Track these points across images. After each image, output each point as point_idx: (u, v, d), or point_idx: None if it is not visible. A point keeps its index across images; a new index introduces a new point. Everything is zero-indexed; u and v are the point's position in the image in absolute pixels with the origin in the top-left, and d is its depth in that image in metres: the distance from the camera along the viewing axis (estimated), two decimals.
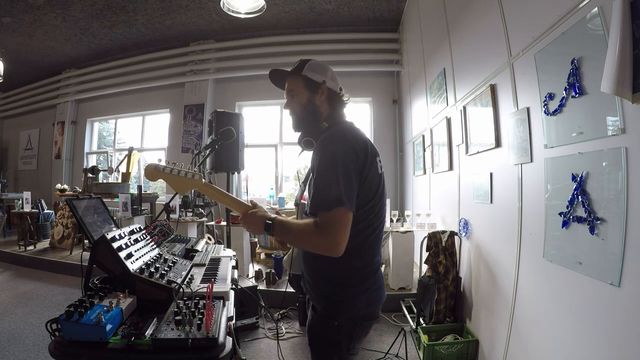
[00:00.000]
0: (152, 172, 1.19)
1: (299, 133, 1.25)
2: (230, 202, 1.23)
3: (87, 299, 1.00)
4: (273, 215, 1.13)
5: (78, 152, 7.04)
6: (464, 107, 2.61)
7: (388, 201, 3.67)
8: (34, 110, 7.51)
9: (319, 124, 1.21)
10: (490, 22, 2.15)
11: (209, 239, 4.02)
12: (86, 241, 4.52)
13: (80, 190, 5.18)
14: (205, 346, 0.89)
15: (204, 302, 1.07)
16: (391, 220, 3.57)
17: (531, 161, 1.72)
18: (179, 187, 1.20)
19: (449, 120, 2.98)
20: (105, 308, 0.96)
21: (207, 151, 2.57)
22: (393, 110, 5.51)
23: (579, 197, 1.33)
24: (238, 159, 3.15)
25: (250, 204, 1.20)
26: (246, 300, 2.82)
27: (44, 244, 5.45)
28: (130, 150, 5.42)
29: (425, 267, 2.71)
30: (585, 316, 1.32)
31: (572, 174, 1.37)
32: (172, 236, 1.98)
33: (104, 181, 5.66)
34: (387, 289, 3.50)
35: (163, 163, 1.20)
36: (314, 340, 1.20)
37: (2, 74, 5.36)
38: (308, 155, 1.25)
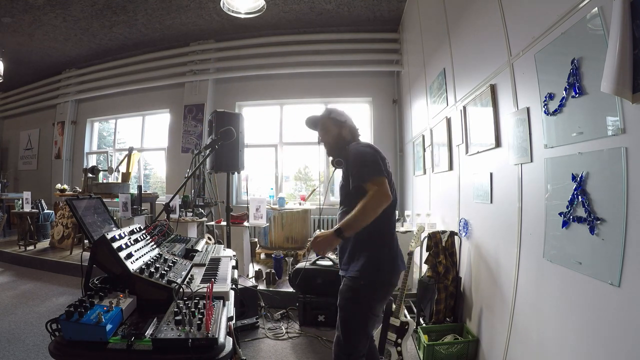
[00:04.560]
0: None
1: (331, 157, 1.76)
2: None
3: (87, 299, 1.00)
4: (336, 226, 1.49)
5: (78, 152, 7.04)
6: (464, 107, 2.61)
7: None
8: (34, 110, 7.50)
9: (344, 148, 1.70)
10: (490, 22, 2.15)
11: (209, 239, 4.01)
12: (86, 241, 4.52)
13: (80, 190, 5.19)
14: (205, 346, 0.89)
15: (204, 302, 1.07)
16: None
17: (531, 161, 1.72)
18: None
19: (449, 120, 2.98)
20: (105, 308, 0.96)
21: (207, 151, 2.57)
22: (393, 110, 5.51)
23: (579, 197, 1.33)
24: (238, 159, 3.15)
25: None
26: (246, 300, 2.82)
27: (44, 244, 5.45)
28: (130, 150, 5.42)
29: (425, 267, 2.71)
30: (585, 316, 1.32)
31: (572, 174, 1.37)
32: (172, 236, 1.98)
33: (104, 181, 5.67)
34: None
35: None
36: (343, 300, 1.57)
37: (2, 74, 5.35)
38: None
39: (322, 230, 1.54)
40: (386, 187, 1.46)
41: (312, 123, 1.85)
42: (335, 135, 1.76)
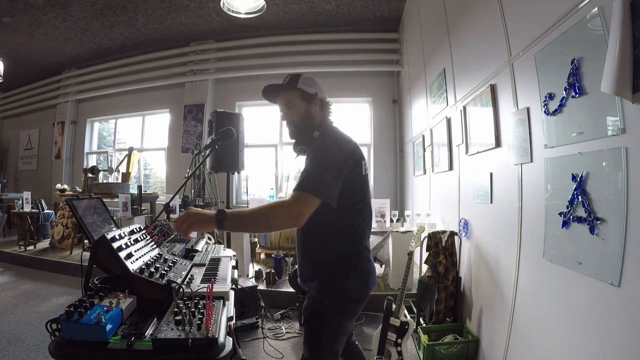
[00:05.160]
0: None
1: (294, 140, 1.43)
2: None
3: (87, 299, 1.00)
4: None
5: (78, 152, 7.04)
6: (464, 107, 2.61)
7: (388, 201, 3.67)
8: (34, 110, 7.50)
9: (312, 132, 1.38)
10: (490, 22, 2.15)
11: (209, 239, 4.01)
12: (86, 241, 4.52)
13: (80, 190, 5.18)
14: (205, 346, 0.89)
15: (204, 302, 1.07)
16: (391, 220, 3.57)
17: (531, 161, 1.72)
18: None
19: (449, 120, 2.98)
20: (105, 308, 0.96)
21: (207, 151, 2.57)
22: (393, 110, 5.51)
23: (579, 197, 1.33)
24: (238, 159, 3.15)
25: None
26: (246, 300, 2.82)
27: (44, 244, 5.45)
28: (130, 150, 5.42)
29: (425, 267, 2.71)
30: (585, 316, 1.32)
31: (572, 174, 1.37)
32: (172, 236, 1.98)
33: (104, 181, 5.67)
34: (387, 289, 3.50)
35: None
36: (308, 319, 1.36)
37: (2, 74, 5.35)
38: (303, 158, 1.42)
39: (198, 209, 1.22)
40: (305, 211, 1.15)
41: (273, 95, 1.44)
42: (302, 112, 1.37)
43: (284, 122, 1.43)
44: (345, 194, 1.25)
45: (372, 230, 3.63)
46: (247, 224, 1.20)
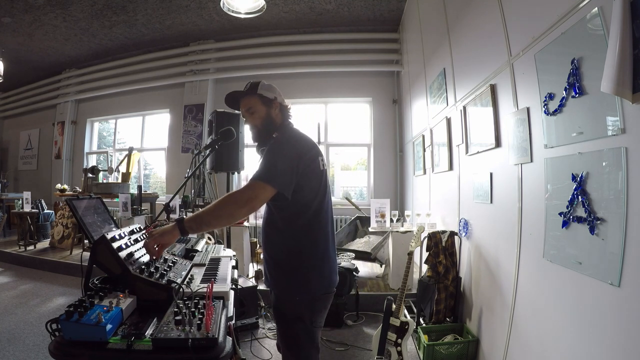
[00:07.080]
0: None
1: (257, 143, 1.50)
2: None
3: (87, 299, 1.00)
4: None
5: (78, 152, 7.04)
6: (464, 107, 2.61)
7: (388, 201, 3.66)
8: (34, 110, 7.51)
9: (272, 134, 1.44)
10: (490, 22, 2.15)
11: (209, 239, 4.00)
12: (86, 241, 4.52)
13: (80, 190, 5.18)
14: (205, 346, 0.89)
15: (204, 302, 1.07)
16: (391, 220, 3.57)
17: (531, 161, 1.72)
18: None
19: (449, 120, 2.98)
20: (105, 308, 0.96)
21: (207, 151, 2.57)
22: (393, 110, 5.51)
23: (579, 197, 1.33)
24: (238, 159, 3.15)
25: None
26: (246, 300, 2.82)
27: (44, 244, 5.45)
28: (130, 150, 5.42)
29: (425, 267, 2.71)
30: (585, 316, 1.32)
31: (572, 174, 1.37)
32: None
33: (104, 181, 5.67)
34: (386, 288, 3.49)
35: None
36: (280, 317, 1.41)
37: (2, 74, 5.35)
38: None
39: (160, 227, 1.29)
40: (258, 195, 1.24)
41: (235, 101, 1.53)
42: (263, 116, 1.45)
43: (247, 127, 1.51)
44: (304, 189, 1.32)
45: (372, 230, 3.64)
46: (206, 219, 1.24)
